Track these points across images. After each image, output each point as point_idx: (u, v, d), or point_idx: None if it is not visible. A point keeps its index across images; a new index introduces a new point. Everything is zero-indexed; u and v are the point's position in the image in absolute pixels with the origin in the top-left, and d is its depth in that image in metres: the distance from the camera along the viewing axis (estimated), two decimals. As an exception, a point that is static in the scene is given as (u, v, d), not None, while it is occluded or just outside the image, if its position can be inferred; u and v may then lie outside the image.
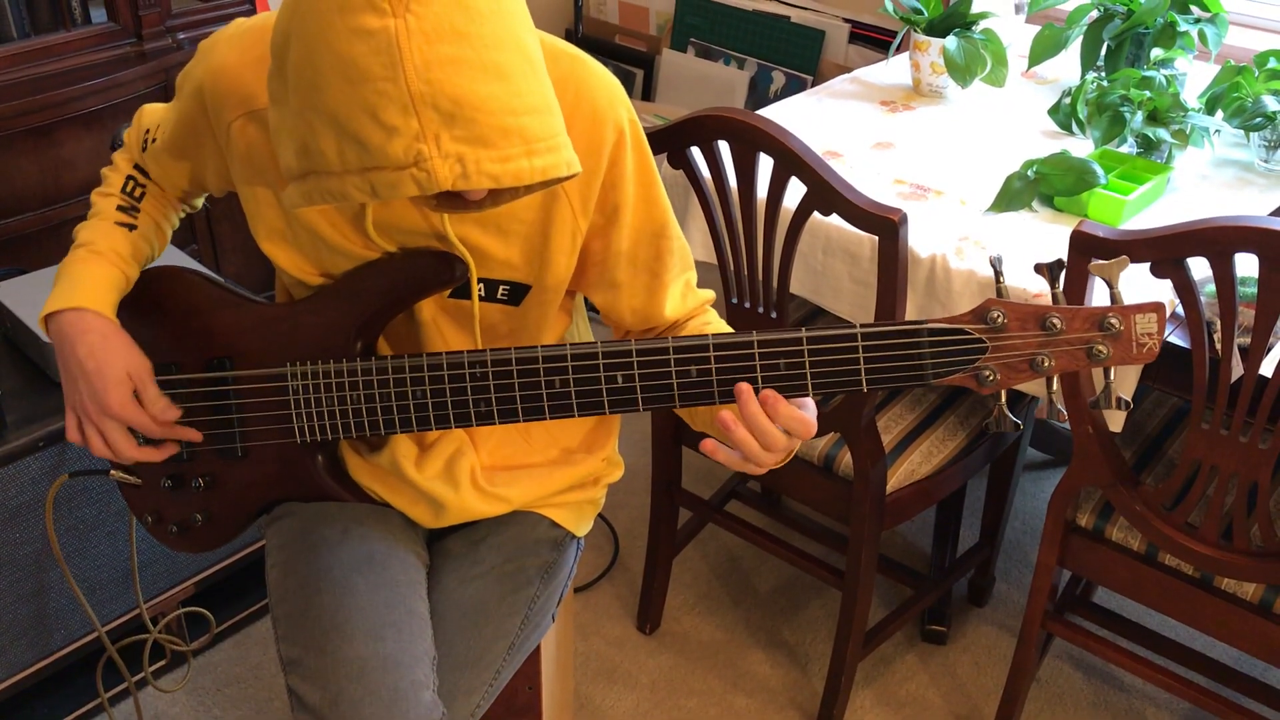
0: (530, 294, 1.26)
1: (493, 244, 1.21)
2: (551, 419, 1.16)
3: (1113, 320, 1.01)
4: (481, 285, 1.23)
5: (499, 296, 1.25)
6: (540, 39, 1.17)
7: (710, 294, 1.36)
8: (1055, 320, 1.02)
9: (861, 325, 1.05)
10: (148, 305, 1.30)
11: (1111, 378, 1.06)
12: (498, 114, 0.94)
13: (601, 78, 1.20)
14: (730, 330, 1.28)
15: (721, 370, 1.09)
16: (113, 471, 1.36)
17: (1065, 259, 1.03)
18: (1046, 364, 1.03)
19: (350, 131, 0.94)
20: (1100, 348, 1.02)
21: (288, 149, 1.00)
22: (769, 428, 1.08)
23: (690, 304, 1.33)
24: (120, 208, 1.31)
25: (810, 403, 1.12)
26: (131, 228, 1.31)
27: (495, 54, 0.94)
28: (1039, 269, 1.04)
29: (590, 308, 1.48)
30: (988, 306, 1.03)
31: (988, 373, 1.04)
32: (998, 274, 1.04)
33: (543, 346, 1.13)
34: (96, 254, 1.27)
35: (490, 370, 1.14)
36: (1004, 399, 1.06)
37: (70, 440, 1.25)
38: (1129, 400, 1.05)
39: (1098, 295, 1.59)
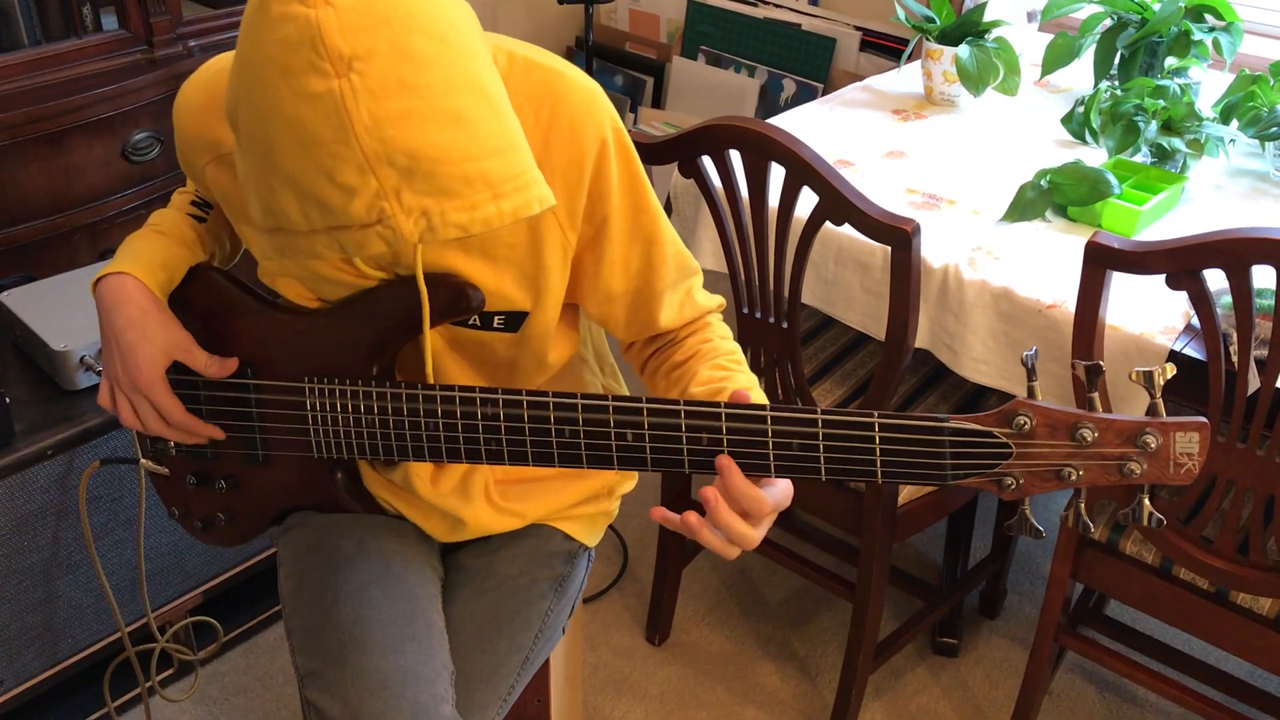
0: (529, 319, 1.23)
1: (483, 274, 1.17)
2: (561, 467, 1.13)
3: (1149, 438, 0.93)
4: (475, 315, 1.21)
5: (495, 326, 1.22)
6: (513, 51, 1.15)
7: (718, 300, 1.32)
8: (1087, 431, 0.94)
9: (879, 414, 0.99)
10: (169, 302, 1.30)
11: (1146, 491, 0.98)
12: (458, 162, 0.91)
13: (579, 87, 1.15)
14: (733, 347, 1.26)
15: (733, 442, 1.04)
16: (143, 460, 1.37)
17: (1103, 365, 0.96)
18: (1074, 476, 0.96)
19: (310, 194, 0.92)
20: (1134, 465, 0.94)
21: (254, 205, 0.98)
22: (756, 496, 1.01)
23: (688, 313, 1.29)
24: (194, 203, 1.32)
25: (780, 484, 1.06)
26: (202, 220, 1.31)
27: (448, 100, 0.90)
28: (1075, 368, 0.96)
29: None
30: (1016, 409, 0.95)
31: (1010, 480, 0.97)
32: (1030, 372, 0.97)
33: (554, 393, 1.10)
34: (160, 232, 1.27)
35: (501, 411, 1.12)
36: (1028, 503, 1.00)
37: (100, 404, 1.25)
38: (1162, 519, 0.98)
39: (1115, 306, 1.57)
